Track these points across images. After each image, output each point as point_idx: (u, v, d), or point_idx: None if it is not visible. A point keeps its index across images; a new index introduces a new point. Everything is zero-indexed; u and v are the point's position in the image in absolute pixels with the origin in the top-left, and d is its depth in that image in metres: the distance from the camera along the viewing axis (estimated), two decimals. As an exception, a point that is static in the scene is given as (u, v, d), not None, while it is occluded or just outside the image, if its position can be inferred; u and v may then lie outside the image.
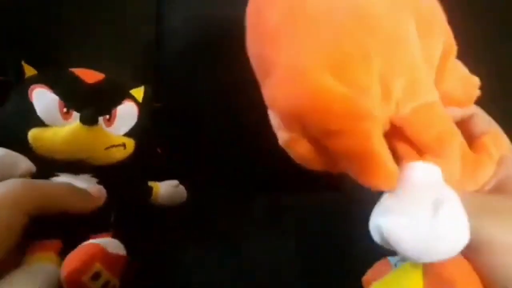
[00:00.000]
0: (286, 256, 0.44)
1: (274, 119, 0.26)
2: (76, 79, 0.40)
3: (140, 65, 0.57)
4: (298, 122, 0.24)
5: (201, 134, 0.58)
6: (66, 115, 0.38)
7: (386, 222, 0.22)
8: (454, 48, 0.27)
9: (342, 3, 0.22)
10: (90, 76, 0.41)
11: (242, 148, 0.56)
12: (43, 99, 0.37)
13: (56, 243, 0.34)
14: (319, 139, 0.24)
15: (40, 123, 0.37)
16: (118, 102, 0.41)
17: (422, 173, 0.24)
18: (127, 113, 0.41)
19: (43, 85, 0.38)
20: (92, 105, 0.38)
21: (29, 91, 0.37)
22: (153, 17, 0.58)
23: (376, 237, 0.23)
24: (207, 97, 0.58)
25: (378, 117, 0.23)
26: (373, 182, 0.23)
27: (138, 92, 0.43)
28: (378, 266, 0.32)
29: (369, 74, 0.22)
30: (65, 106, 0.38)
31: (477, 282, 0.24)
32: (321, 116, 0.22)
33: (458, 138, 0.25)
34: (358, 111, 0.22)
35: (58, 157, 0.37)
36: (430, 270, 0.25)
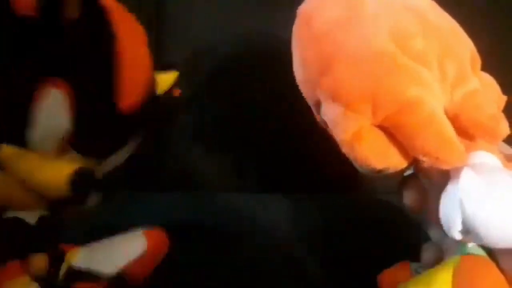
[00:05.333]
0: (285, 256, 0.44)
1: (332, 116, 0.25)
2: (110, 99, 0.31)
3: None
4: (371, 101, 0.23)
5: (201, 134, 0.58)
6: (62, 150, 0.30)
7: (479, 207, 0.22)
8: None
9: None
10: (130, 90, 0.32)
11: (243, 149, 0.56)
12: (53, 114, 0.29)
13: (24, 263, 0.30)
14: (390, 119, 0.24)
15: (19, 141, 0.29)
16: None
17: (489, 160, 0.25)
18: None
19: None
20: (104, 152, 0.32)
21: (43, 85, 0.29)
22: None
23: (454, 224, 0.23)
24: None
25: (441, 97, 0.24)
26: (449, 156, 0.24)
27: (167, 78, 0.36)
28: (397, 268, 0.32)
29: (431, 52, 0.24)
30: (71, 143, 0.30)
31: None
32: (395, 87, 0.23)
33: (506, 120, 0.26)
34: (426, 82, 0.23)
35: None
36: (461, 274, 0.25)
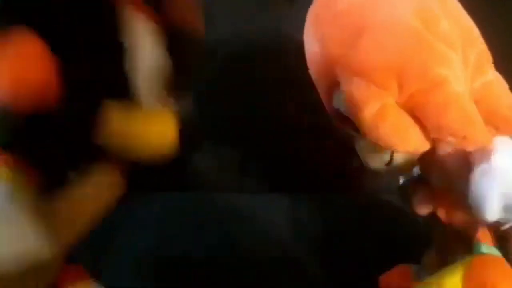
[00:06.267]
0: (285, 256, 0.44)
1: (354, 93, 0.24)
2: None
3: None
4: (398, 76, 0.23)
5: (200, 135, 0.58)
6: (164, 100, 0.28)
7: None
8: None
9: None
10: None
11: (243, 149, 0.56)
12: (152, 58, 0.26)
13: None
14: (416, 97, 0.23)
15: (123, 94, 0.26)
16: None
17: (508, 142, 0.25)
18: None
19: None
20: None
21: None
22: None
23: (493, 202, 0.22)
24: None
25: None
26: (476, 135, 0.23)
27: None
28: (398, 271, 0.32)
29: (455, 37, 0.24)
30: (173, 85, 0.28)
31: None
32: (423, 64, 0.23)
33: None
34: (452, 63, 0.23)
35: None
36: (471, 274, 0.25)
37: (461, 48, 0.24)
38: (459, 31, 0.24)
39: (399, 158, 0.28)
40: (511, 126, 0.25)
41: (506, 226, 0.23)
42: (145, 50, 0.24)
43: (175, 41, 0.25)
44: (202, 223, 0.49)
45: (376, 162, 0.29)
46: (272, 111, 0.57)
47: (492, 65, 0.27)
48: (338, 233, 0.46)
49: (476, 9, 0.26)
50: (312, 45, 0.27)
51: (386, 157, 0.28)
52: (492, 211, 0.22)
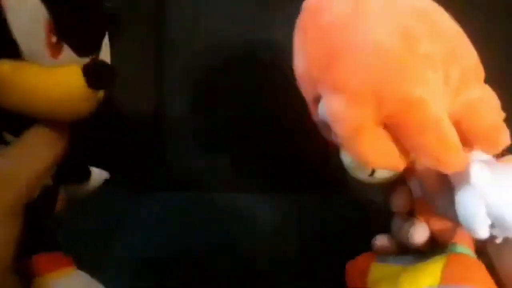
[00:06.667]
0: (285, 256, 0.44)
1: (333, 110, 0.25)
2: None
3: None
4: (375, 97, 0.23)
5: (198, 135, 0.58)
6: (54, 49, 0.24)
7: (498, 192, 0.22)
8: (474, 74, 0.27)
9: None
10: None
11: (243, 149, 0.56)
12: (22, 8, 0.23)
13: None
14: (393, 117, 0.24)
15: (13, 52, 0.23)
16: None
17: (484, 157, 0.25)
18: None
19: None
20: (91, 37, 0.26)
21: None
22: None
23: (480, 220, 0.23)
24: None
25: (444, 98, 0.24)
26: (450, 159, 0.23)
27: None
28: (362, 257, 0.33)
29: (437, 55, 0.24)
30: (55, 32, 0.23)
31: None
32: (401, 83, 0.23)
33: (507, 130, 0.26)
34: (432, 84, 0.23)
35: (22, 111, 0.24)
36: (450, 267, 0.25)
37: (444, 66, 0.24)
38: (442, 48, 0.24)
39: (380, 171, 0.29)
40: (490, 147, 0.25)
41: (500, 239, 0.24)
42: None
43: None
44: (202, 223, 0.49)
45: (359, 173, 0.30)
46: (272, 111, 0.57)
47: (482, 81, 0.26)
48: (338, 233, 0.46)
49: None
50: (298, 57, 0.27)
51: (368, 170, 0.29)
52: (483, 230, 0.23)
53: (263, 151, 0.57)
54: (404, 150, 0.25)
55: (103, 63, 0.26)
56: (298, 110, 0.57)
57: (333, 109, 0.24)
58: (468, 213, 0.23)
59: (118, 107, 0.56)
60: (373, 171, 0.29)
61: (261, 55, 0.57)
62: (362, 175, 0.30)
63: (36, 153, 0.25)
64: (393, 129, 0.24)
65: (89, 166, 0.34)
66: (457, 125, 0.24)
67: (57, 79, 0.24)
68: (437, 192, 0.26)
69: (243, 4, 0.56)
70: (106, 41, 0.27)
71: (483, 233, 0.23)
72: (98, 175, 0.35)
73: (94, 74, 0.24)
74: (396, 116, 0.23)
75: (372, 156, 0.25)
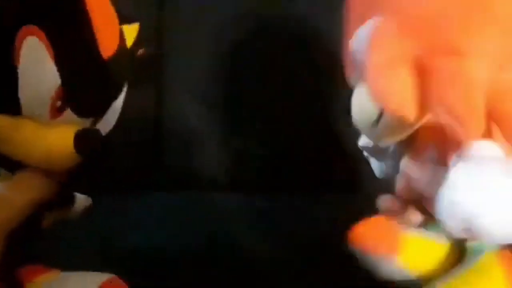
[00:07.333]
0: (285, 256, 0.44)
1: (380, 33, 0.23)
2: (92, 49, 0.26)
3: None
4: (427, 32, 0.22)
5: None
6: (56, 111, 0.26)
7: (470, 197, 0.21)
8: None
9: None
10: (107, 37, 0.28)
11: (243, 149, 0.56)
12: (38, 72, 0.24)
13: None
14: (432, 59, 0.22)
15: (14, 110, 0.25)
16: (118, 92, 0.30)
17: (491, 151, 0.23)
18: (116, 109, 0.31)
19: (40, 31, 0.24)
20: (96, 104, 0.28)
21: (18, 35, 0.24)
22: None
23: (449, 214, 0.22)
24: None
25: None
26: (469, 122, 0.22)
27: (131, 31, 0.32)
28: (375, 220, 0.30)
29: (504, 15, 0.22)
30: (62, 99, 0.25)
31: None
32: (458, 28, 0.22)
33: None
34: (489, 41, 0.22)
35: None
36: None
37: (504, 36, 0.23)
38: (508, 18, 0.22)
39: (386, 121, 0.26)
40: None
41: (472, 242, 0.23)
42: (30, 64, 0.25)
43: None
44: (202, 223, 0.49)
45: (363, 117, 0.27)
46: (272, 111, 0.57)
47: None
48: (339, 233, 0.46)
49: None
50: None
51: (374, 115, 0.26)
52: (456, 232, 0.22)
53: (263, 151, 0.57)
54: (423, 104, 0.23)
55: (94, 133, 0.28)
56: (299, 110, 0.58)
57: (376, 31, 0.23)
58: (444, 211, 0.22)
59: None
60: (379, 117, 0.26)
61: (261, 55, 0.57)
62: (366, 119, 0.26)
63: (30, 187, 0.28)
64: (425, 74, 0.23)
65: (73, 192, 0.35)
66: (489, 104, 0.23)
67: (51, 142, 0.26)
68: (437, 170, 0.25)
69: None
70: (119, 102, 0.30)
71: (456, 234, 0.22)
72: (82, 201, 0.36)
73: (84, 143, 0.26)
74: (437, 60, 0.22)
75: (391, 93, 0.23)
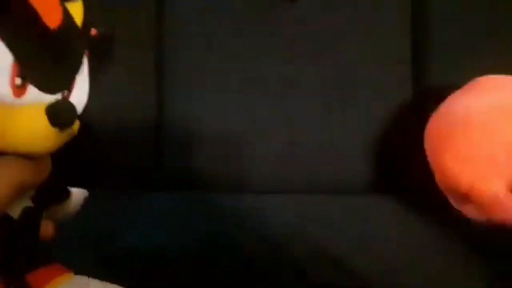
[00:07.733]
0: (285, 256, 0.44)
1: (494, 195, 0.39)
2: (36, 21, 0.25)
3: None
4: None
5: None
6: (18, 89, 0.25)
7: None
8: None
9: None
10: (48, 10, 0.26)
11: (243, 149, 0.56)
12: None
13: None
14: None
15: None
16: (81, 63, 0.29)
17: None
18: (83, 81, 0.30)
19: None
20: (59, 76, 0.27)
21: None
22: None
23: None
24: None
25: None
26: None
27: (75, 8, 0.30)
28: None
29: None
30: (20, 75, 0.25)
31: None
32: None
33: None
34: None
35: None
36: None
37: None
38: None
39: None
40: None
41: None
42: None
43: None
44: (202, 223, 0.49)
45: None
46: (273, 111, 0.57)
47: None
48: (339, 233, 0.46)
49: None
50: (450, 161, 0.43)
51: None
52: None
53: (263, 151, 0.57)
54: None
55: (65, 103, 0.26)
56: (299, 114, 0.58)
57: (493, 194, 0.38)
58: None
59: (118, 107, 0.57)
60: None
61: (261, 55, 0.57)
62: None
63: (9, 171, 0.26)
64: None
65: (68, 186, 0.35)
66: None
67: (21, 123, 0.25)
68: None
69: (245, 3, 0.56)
70: (83, 76, 0.29)
71: None
72: (78, 194, 0.36)
73: (57, 113, 0.25)
74: None
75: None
